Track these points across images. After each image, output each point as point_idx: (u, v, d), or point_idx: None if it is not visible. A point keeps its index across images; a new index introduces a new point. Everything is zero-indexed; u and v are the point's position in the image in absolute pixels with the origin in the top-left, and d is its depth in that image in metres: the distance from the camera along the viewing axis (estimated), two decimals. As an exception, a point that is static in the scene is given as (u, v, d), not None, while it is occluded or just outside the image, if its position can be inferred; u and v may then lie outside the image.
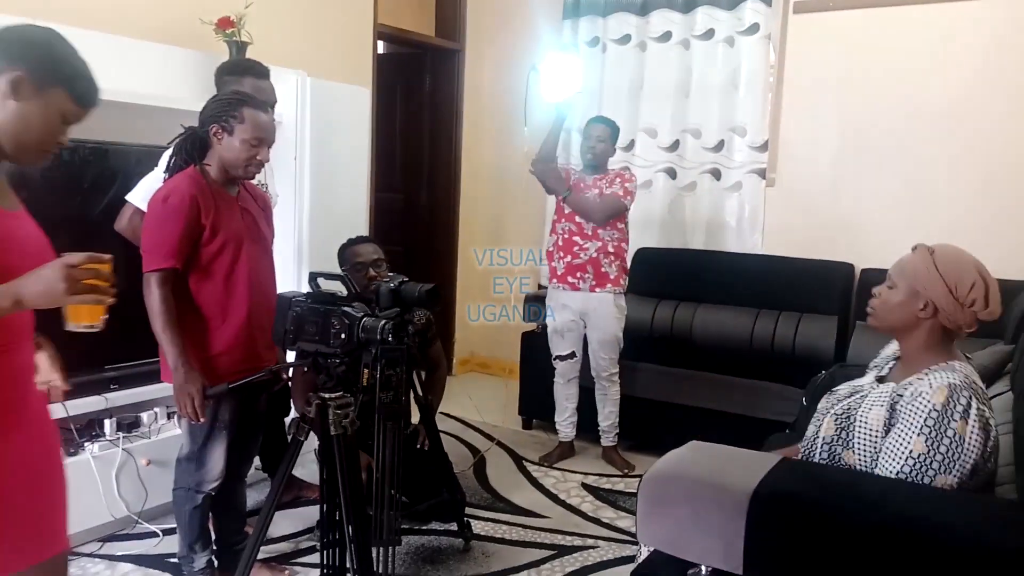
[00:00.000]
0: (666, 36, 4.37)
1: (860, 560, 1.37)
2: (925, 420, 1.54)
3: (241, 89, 2.49)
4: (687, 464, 1.60)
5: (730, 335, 4.01)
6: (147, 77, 3.01)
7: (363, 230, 3.83)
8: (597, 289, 3.53)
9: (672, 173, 4.45)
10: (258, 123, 2.24)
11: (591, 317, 3.57)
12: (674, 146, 4.42)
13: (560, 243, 3.59)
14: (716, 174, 4.33)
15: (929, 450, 1.52)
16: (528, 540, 2.90)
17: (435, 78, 5.20)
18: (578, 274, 3.55)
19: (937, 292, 1.62)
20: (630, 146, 4.50)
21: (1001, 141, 3.66)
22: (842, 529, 1.40)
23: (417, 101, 5.26)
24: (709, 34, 4.25)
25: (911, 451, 1.54)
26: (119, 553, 2.67)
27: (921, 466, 1.53)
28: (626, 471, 3.58)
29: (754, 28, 4.12)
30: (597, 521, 3.08)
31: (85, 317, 1.38)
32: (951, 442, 1.52)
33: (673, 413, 3.64)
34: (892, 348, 1.86)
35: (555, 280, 3.63)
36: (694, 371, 3.72)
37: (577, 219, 3.52)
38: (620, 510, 3.16)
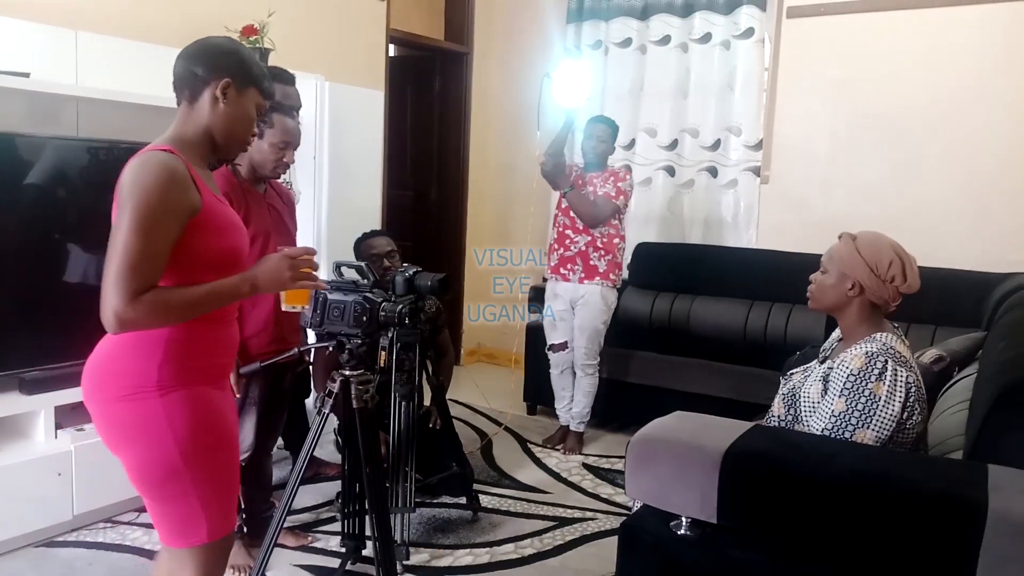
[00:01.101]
0: (665, 40, 4.57)
1: (817, 508, 1.58)
2: (844, 383, 1.79)
3: (269, 95, 2.71)
4: (670, 428, 1.81)
5: (725, 325, 4.21)
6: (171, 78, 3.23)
7: (377, 224, 4.06)
8: (585, 281, 3.73)
9: (671, 171, 4.65)
10: (286, 128, 2.46)
11: (578, 306, 3.76)
12: (673, 145, 4.62)
13: (556, 236, 3.81)
14: (713, 172, 4.53)
15: (848, 408, 1.77)
16: (532, 512, 3.12)
17: (444, 80, 5.41)
18: (569, 266, 3.76)
19: (861, 272, 1.87)
20: (631, 145, 4.70)
21: (986, 142, 3.85)
22: (801, 482, 1.60)
23: (427, 102, 5.48)
24: (706, 38, 4.45)
25: (833, 410, 1.80)
26: (155, 522, 2.89)
27: (841, 422, 1.78)
28: (567, 451, 3.78)
29: (749, 32, 4.32)
30: (596, 496, 3.29)
31: (298, 300, 1.73)
32: (867, 400, 1.76)
33: (670, 398, 3.82)
34: (837, 332, 2.08)
35: (551, 271, 3.84)
36: (690, 358, 3.92)
37: (571, 214, 3.72)
38: (618, 487, 3.37)
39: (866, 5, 4.05)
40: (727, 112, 4.43)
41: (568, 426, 3.94)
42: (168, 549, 1.64)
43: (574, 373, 3.90)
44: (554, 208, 3.93)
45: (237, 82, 1.60)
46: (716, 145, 4.49)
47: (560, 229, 3.79)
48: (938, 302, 3.70)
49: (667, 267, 4.48)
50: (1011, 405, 1.65)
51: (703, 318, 4.28)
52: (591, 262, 3.72)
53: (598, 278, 3.72)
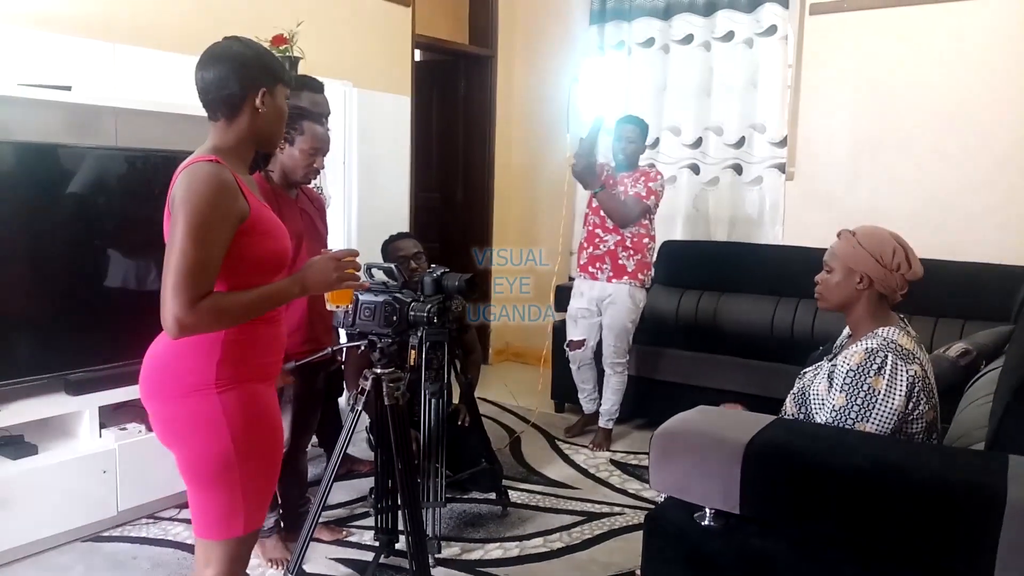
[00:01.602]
0: (688, 39, 4.59)
1: (837, 498, 1.61)
2: (844, 378, 1.84)
3: (299, 103, 2.78)
4: (693, 422, 1.85)
5: (752, 322, 4.22)
6: (197, 91, 3.33)
7: (404, 227, 4.13)
8: (614, 280, 3.76)
9: (696, 169, 4.67)
10: (316, 135, 2.54)
11: (607, 305, 3.80)
12: (697, 143, 4.64)
13: (586, 234, 3.85)
14: (738, 169, 4.54)
15: (848, 402, 1.82)
16: (560, 508, 3.17)
17: (469, 83, 5.48)
18: (597, 264, 3.80)
19: (868, 265, 1.91)
20: (655, 144, 4.72)
21: (1010, 136, 3.82)
22: (822, 472, 1.64)
23: (452, 105, 5.55)
24: (729, 36, 4.46)
25: (834, 404, 1.85)
26: (195, 517, 2.99)
27: (841, 416, 1.83)
28: (595, 447, 3.83)
29: (772, 30, 4.32)
30: (624, 492, 3.33)
31: (343, 299, 1.84)
32: (866, 395, 1.81)
33: (697, 395, 3.82)
34: (847, 330, 2.11)
35: (579, 269, 3.89)
36: (717, 355, 3.94)
37: (601, 213, 3.76)
38: (645, 482, 3.40)
39: (889, 1, 4.04)
40: (751, 110, 4.44)
41: (592, 416, 4.00)
42: (200, 541, 1.70)
43: (593, 368, 3.96)
44: (584, 207, 3.97)
45: (269, 86, 1.67)
46: (740, 143, 4.50)
47: (590, 228, 3.83)
48: (966, 296, 3.70)
49: (693, 265, 4.50)
50: (1031, 396, 1.66)
51: (730, 315, 4.30)
52: (619, 261, 3.76)
53: (626, 277, 3.75)
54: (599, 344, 3.91)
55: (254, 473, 1.66)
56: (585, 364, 3.96)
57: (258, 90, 1.64)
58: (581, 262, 3.88)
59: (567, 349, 3.98)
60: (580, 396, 4.06)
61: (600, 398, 3.97)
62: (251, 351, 1.65)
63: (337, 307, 1.88)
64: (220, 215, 1.53)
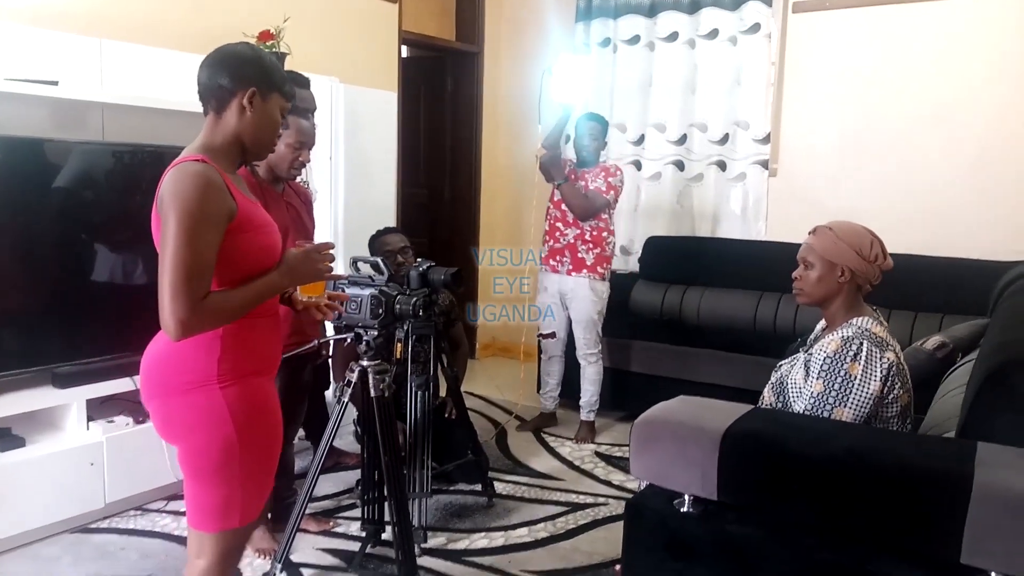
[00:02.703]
0: (673, 36, 4.63)
1: (812, 485, 1.65)
2: (821, 365, 1.90)
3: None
4: (672, 411, 1.89)
5: (735, 316, 4.28)
6: (195, 86, 3.34)
7: (391, 222, 4.16)
8: (573, 273, 3.83)
9: (680, 165, 4.71)
10: (301, 129, 2.56)
11: (570, 299, 3.88)
12: (682, 140, 4.68)
13: (547, 228, 3.92)
14: (722, 165, 4.59)
15: (825, 388, 1.89)
16: (545, 499, 3.21)
17: (456, 79, 5.51)
18: (558, 257, 3.87)
19: (849, 258, 1.96)
20: (640, 140, 4.77)
21: (992, 134, 3.89)
22: (797, 460, 1.68)
23: (439, 101, 5.57)
24: (713, 34, 4.51)
25: (812, 391, 1.91)
26: (183, 509, 2.99)
27: (819, 402, 1.89)
28: (579, 440, 3.89)
29: (756, 27, 4.37)
30: (608, 483, 3.38)
31: (316, 291, 1.89)
32: (843, 380, 1.87)
33: (681, 389, 3.79)
34: (822, 323, 2.16)
35: (541, 263, 3.96)
36: (701, 349, 4.00)
37: (563, 207, 3.82)
38: (629, 474, 3.45)
39: (871, -1, 4.10)
40: (735, 107, 4.49)
41: (549, 415, 4.09)
42: (195, 532, 1.72)
43: (561, 361, 4.04)
44: (543, 202, 4.02)
45: (262, 90, 1.67)
46: (724, 139, 4.55)
47: (551, 221, 3.90)
48: (945, 291, 3.76)
49: (677, 260, 4.55)
50: (998, 386, 1.71)
51: (713, 310, 4.35)
52: (579, 255, 3.82)
53: (585, 271, 3.82)
54: (570, 336, 3.97)
55: (254, 466, 1.69)
56: (555, 355, 4.05)
57: (247, 88, 1.65)
58: (543, 255, 3.95)
59: (540, 340, 4.06)
60: (542, 391, 4.14)
61: (561, 395, 4.07)
62: (251, 345, 1.68)
63: (309, 298, 1.90)
64: (209, 215, 1.54)
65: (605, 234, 3.85)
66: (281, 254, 1.73)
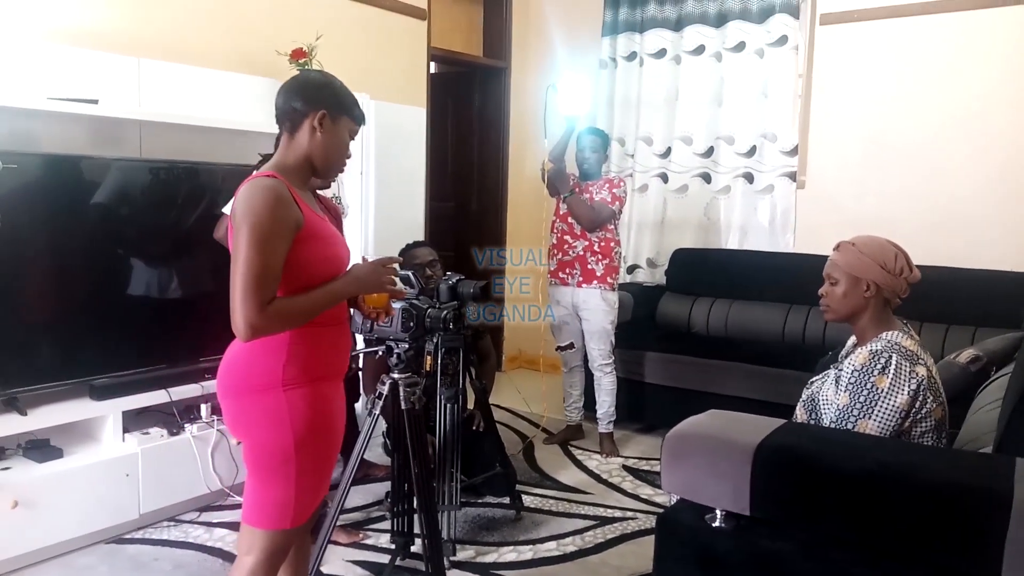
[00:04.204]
0: (699, 49, 4.64)
1: (846, 500, 1.64)
2: (849, 379, 1.90)
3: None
4: (704, 425, 1.89)
5: (763, 329, 4.25)
6: (230, 104, 3.42)
7: (420, 235, 4.20)
8: (584, 285, 3.85)
9: (707, 178, 4.71)
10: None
11: (582, 311, 3.89)
12: (709, 152, 4.68)
13: (555, 241, 3.94)
14: (749, 178, 4.57)
15: (851, 401, 1.88)
16: (573, 512, 3.21)
17: (483, 95, 5.56)
18: (567, 270, 3.88)
19: (874, 272, 1.96)
20: (667, 153, 4.78)
21: (1016, 142, 3.85)
22: (831, 475, 1.67)
23: (467, 116, 5.62)
24: (740, 47, 4.51)
25: (838, 404, 1.90)
26: (215, 520, 3.05)
27: (844, 414, 1.88)
28: (606, 455, 3.88)
29: (783, 40, 4.37)
30: (636, 497, 3.37)
31: (380, 302, 1.94)
32: (869, 393, 1.86)
33: (710, 402, 3.79)
34: (852, 339, 2.14)
35: (551, 276, 3.97)
36: (729, 362, 3.97)
37: (569, 220, 3.85)
38: (657, 487, 3.43)
39: (897, 11, 4.08)
40: (762, 119, 4.48)
41: (576, 427, 4.10)
42: (246, 527, 1.79)
43: (582, 371, 4.05)
44: (552, 214, 4.03)
45: (332, 112, 1.76)
46: (752, 151, 4.54)
47: (558, 235, 3.92)
48: (977, 303, 3.71)
49: (705, 272, 4.54)
50: (1037, 400, 1.69)
51: (741, 322, 4.33)
52: (588, 266, 3.84)
53: (596, 282, 3.84)
54: (586, 348, 3.99)
55: (310, 469, 1.75)
56: (575, 366, 4.06)
57: (318, 111, 1.74)
58: (552, 268, 3.96)
59: (559, 352, 4.07)
60: (565, 403, 4.15)
61: (584, 406, 4.07)
62: (315, 352, 1.75)
63: (374, 308, 1.96)
64: (277, 225, 1.64)
65: (613, 244, 3.88)
66: (345, 265, 1.82)
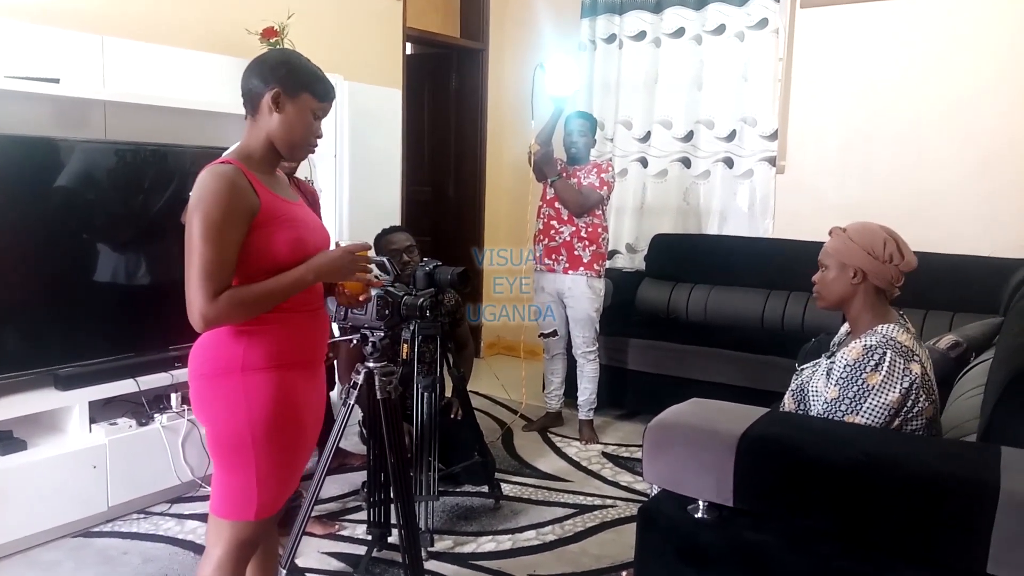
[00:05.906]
0: (679, 32, 4.59)
1: (831, 490, 1.61)
2: (840, 373, 1.87)
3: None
4: (686, 414, 1.85)
5: (743, 315, 4.24)
6: (199, 85, 3.31)
7: (396, 220, 4.13)
8: (570, 271, 3.80)
9: (687, 162, 4.67)
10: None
11: (567, 297, 3.84)
12: (688, 136, 4.64)
13: (541, 227, 3.88)
14: (729, 162, 4.54)
15: (840, 395, 1.85)
16: (552, 500, 3.17)
17: (460, 76, 5.47)
18: (554, 256, 3.83)
19: (860, 258, 1.93)
20: (646, 137, 4.73)
21: (1000, 130, 3.85)
22: (815, 465, 1.64)
23: (444, 98, 5.53)
24: (720, 29, 4.47)
25: (827, 397, 1.88)
26: (186, 512, 2.98)
27: (832, 408, 1.86)
28: (586, 442, 3.85)
29: (763, 23, 4.33)
30: (616, 484, 3.35)
31: (357, 287, 1.89)
32: (859, 389, 1.83)
33: (689, 388, 3.81)
34: (846, 327, 2.12)
35: (536, 262, 3.92)
36: (708, 348, 3.95)
37: (556, 205, 3.79)
38: (637, 475, 3.42)
39: (879, -6, 4.06)
40: (742, 103, 4.45)
41: (555, 415, 4.07)
42: (213, 518, 1.75)
43: (564, 359, 4.01)
44: (538, 199, 3.98)
45: (287, 90, 1.69)
46: (731, 136, 4.50)
47: (545, 220, 3.86)
48: (955, 289, 3.72)
49: (684, 258, 4.51)
50: (1023, 388, 1.67)
51: (720, 308, 4.31)
52: (575, 252, 3.79)
53: (582, 268, 3.79)
54: (569, 335, 3.95)
55: (271, 459, 1.70)
56: (558, 354, 4.02)
57: (272, 89, 1.68)
58: (538, 254, 3.91)
59: (541, 339, 4.03)
60: (546, 390, 4.12)
61: (565, 394, 4.04)
62: (284, 337, 1.71)
63: (350, 292, 1.93)
64: (228, 214, 1.60)
65: (600, 230, 3.82)
66: (315, 249, 1.75)
